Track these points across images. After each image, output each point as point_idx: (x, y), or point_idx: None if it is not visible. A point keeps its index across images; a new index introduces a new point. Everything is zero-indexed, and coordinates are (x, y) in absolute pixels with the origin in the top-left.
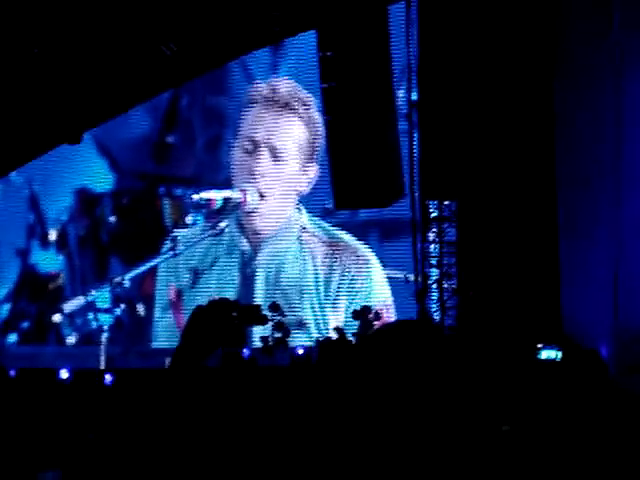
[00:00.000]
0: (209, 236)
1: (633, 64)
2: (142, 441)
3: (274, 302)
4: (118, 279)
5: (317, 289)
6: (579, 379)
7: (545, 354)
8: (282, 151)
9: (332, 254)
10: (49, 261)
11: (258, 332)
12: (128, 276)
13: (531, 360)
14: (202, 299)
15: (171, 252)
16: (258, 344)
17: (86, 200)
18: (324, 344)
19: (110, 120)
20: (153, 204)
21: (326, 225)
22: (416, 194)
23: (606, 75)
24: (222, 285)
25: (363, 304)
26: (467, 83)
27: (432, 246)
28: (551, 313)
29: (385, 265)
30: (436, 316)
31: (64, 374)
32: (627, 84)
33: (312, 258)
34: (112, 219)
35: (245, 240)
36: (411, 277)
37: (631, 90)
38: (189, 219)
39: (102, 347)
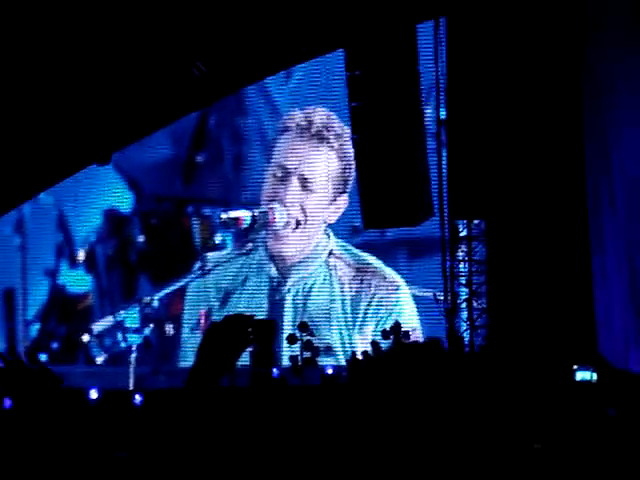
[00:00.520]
0: (238, 255)
1: None
2: (169, 460)
3: (303, 321)
4: (147, 299)
5: (344, 313)
6: (613, 400)
7: (580, 375)
8: (312, 181)
9: (360, 278)
10: (78, 281)
11: (288, 352)
12: (157, 296)
13: (567, 381)
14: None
15: (200, 272)
16: (287, 363)
17: (114, 220)
18: (353, 363)
19: (139, 140)
20: (181, 224)
21: (353, 249)
22: (445, 213)
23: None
24: (251, 309)
25: (392, 324)
26: (495, 101)
27: (461, 265)
28: (584, 332)
29: (414, 284)
30: (465, 335)
31: (93, 394)
32: None
33: (339, 282)
34: (141, 239)
35: (273, 266)
36: (440, 296)
37: None
38: (218, 238)
39: (131, 367)
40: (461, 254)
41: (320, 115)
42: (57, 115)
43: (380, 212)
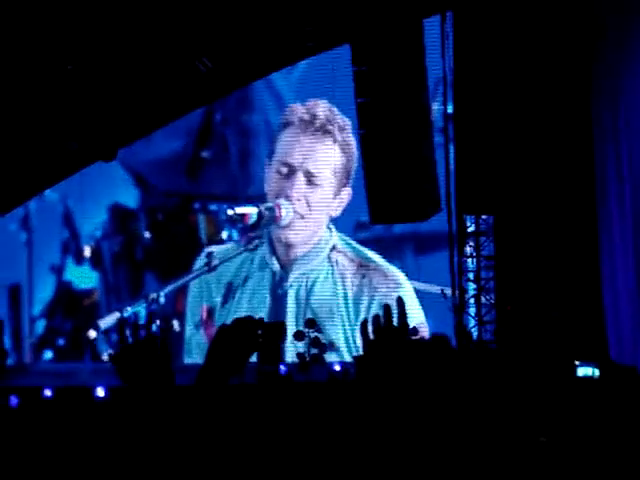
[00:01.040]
0: (244, 251)
1: None
2: (177, 458)
3: (310, 318)
4: (153, 295)
5: (347, 309)
6: (616, 396)
7: (582, 371)
8: (317, 175)
9: (362, 274)
10: (84, 278)
11: (295, 348)
12: (163, 292)
13: (569, 377)
14: (233, 317)
15: (206, 267)
16: (295, 360)
17: (120, 216)
18: (361, 360)
19: (145, 136)
20: (188, 220)
21: (356, 244)
22: (453, 208)
23: None
24: (253, 305)
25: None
26: (503, 95)
27: (470, 260)
28: (591, 328)
29: (421, 279)
30: (474, 331)
31: (100, 392)
32: None
33: (342, 278)
34: (147, 235)
35: (276, 260)
36: (448, 291)
37: None
38: (224, 234)
39: None
40: (469, 249)
41: (322, 108)
42: (62, 112)
43: (387, 207)
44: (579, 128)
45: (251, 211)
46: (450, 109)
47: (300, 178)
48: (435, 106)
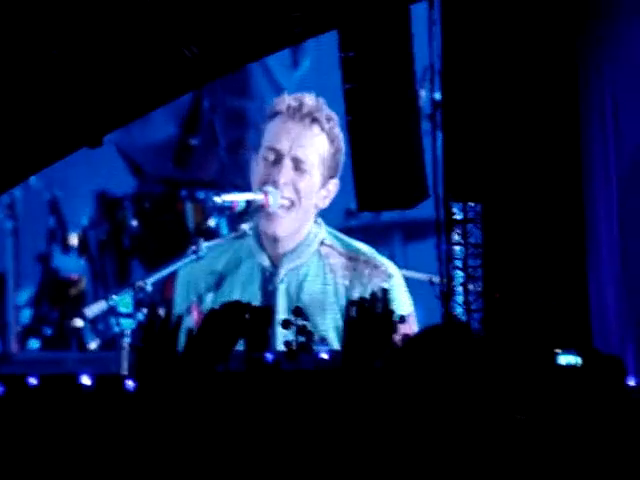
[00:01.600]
0: (231, 240)
1: None
2: (162, 446)
3: (297, 306)
4: (140, 283)
5: (338, 303)
6: (596, 385)
7: (564, 359)
8: (305, 162)
9: (352, 267)
10: (70, 266)
11: (282, 336)
12: (150, 280)
13: (549, 365)
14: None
15: (194, 255)
16: (282, 348)
17: (107, 204)
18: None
19: (131, 123)
20: (175, 207)
21: (345, 237)
22: (440, 195)
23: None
24: (244, 296)
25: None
26: (491, 82)
27: (457, 248)
28: (577, 316)
29: (409, 267)
30: (461, 319)
31: (86, 380)
32: None
33: (332, 272)
34: (134, 223)
35: (265, 255)
36: (436, 279)
37: None
38: (211, 222)
39: (124, 352)
40: (457, 237)
41: (310, 98)
42: (47, 98)
43: (374, 195)
44: (568, 116)
45: (239, 198)
46: (438, 96)
47: (287, 164)
48: (423, 93)
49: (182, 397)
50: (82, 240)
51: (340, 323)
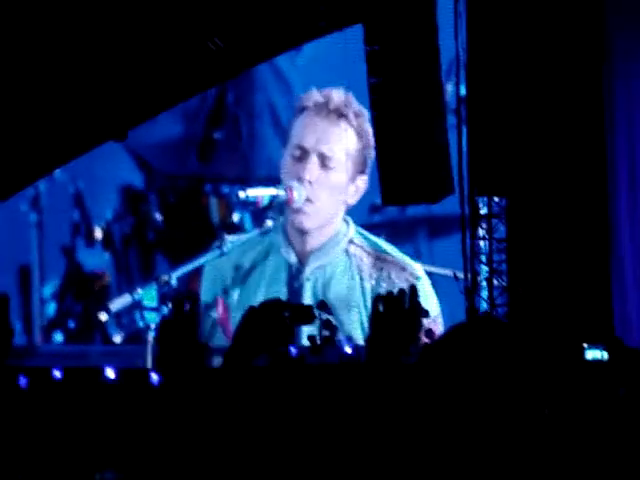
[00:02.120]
0: (256, 236)
1: None
2: (194, 441)
3: (322, 300)
4: (165, 277)
5: (365, 303)
6: (624, 379)
7: (591, 354)
8: (332, 158)
9: (379, 267)
10: (95, 259)
11: (306, 331)
12: (175, 274)
13: (577, 360)
14: (248, 304)
15: (218, 250)
16: (306, 342)
17: (131, 198)
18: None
19: (155, 116)
20: (200, 202)
21: (373, 237)
22: (465, 190)
23: None
24: (270, 293)
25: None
26: (517, 76)
27: (482, 243)
28: (602, 311)
29: (434, 263)
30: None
31: (110, 373)
32: None
33: (359, 271)
34: (158, 217)
35: (292, 251)
36: (460, 274)
37: None
38: (236, 217)
39: (149, 346)
40: (481, 232)
41: (338, 93)
42: (72, 91)
43: (399, 189)
44: (593, 111)
45: (263, 193)
46: (463, 90)
47: (313, 160)
48: (449, 87)
49: (205, 391)
50: (106, 234)
51: (366, 321)
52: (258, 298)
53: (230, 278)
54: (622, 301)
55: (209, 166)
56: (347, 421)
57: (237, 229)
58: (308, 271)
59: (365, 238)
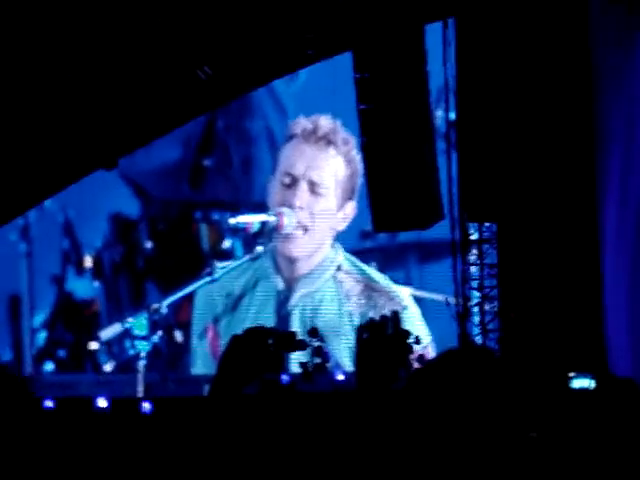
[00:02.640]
0: (246, 262)
1: None
2: (183, 469)
3: (313, 327)
4: (155, 306)
5: (352, 329)
6: (611, 409)
7: (577, 383)
8: (321, 185)
9: (367, 296)
10: (85, 288)
11: (297, 358)
12: (165, 302)
13: (562, 388)
14: (238, 329)
15: (209, 277)
16: (297, 370)
17: (121, 226)
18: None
19: (146, 144)
20: (190, 229)
21: (362, 265)
22: (456, 215)
23: None
24: (258, 320)
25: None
26: (506, 102)
27: (473, 268)
28: (592, 338)
29: (425, 288)
30: (478, 339)
31: (102, 403)
32: None
33: (347, 298)
34: (148, 245)
35: (280, 278)
36: (452, 300)
37: None
38: (226, 244)
39: (139, 375)
40: (472, 257)
41: (326, 120)
42: (61, 120)
43: (390, 215)
44: (583, 136)
45: (253, 219)
46: (453, 116)
47: (303, 187)
48: (438, 113)
49: (197, 419)
50: (96, 262)
51: (354, 349)
52: (247, 325)
53: (221, 305)
54: (615, 328)
55: (200, 192)
56: (336, 448)
57: (228, 255)
58: (296, 298)
59: (354, 265)
